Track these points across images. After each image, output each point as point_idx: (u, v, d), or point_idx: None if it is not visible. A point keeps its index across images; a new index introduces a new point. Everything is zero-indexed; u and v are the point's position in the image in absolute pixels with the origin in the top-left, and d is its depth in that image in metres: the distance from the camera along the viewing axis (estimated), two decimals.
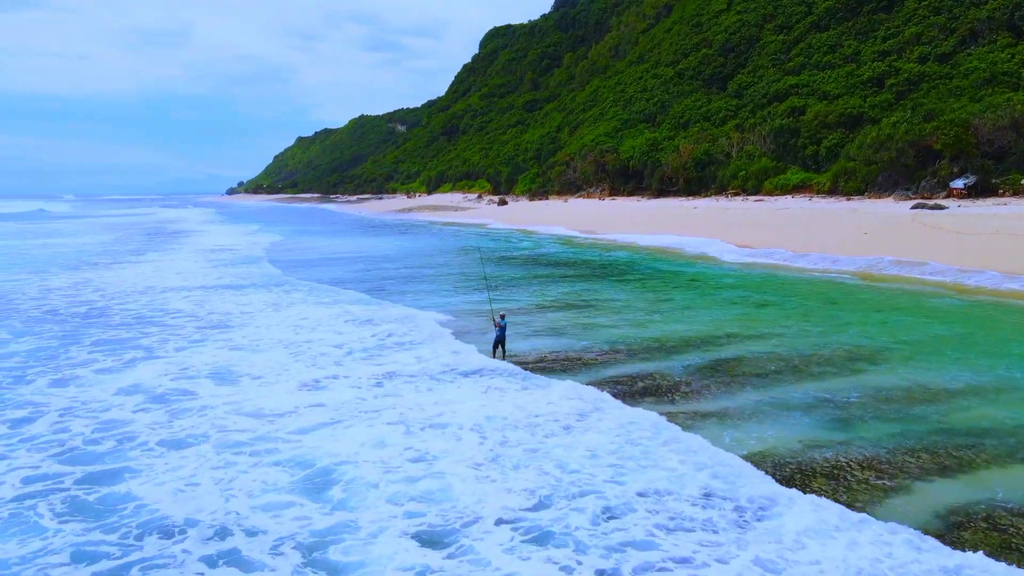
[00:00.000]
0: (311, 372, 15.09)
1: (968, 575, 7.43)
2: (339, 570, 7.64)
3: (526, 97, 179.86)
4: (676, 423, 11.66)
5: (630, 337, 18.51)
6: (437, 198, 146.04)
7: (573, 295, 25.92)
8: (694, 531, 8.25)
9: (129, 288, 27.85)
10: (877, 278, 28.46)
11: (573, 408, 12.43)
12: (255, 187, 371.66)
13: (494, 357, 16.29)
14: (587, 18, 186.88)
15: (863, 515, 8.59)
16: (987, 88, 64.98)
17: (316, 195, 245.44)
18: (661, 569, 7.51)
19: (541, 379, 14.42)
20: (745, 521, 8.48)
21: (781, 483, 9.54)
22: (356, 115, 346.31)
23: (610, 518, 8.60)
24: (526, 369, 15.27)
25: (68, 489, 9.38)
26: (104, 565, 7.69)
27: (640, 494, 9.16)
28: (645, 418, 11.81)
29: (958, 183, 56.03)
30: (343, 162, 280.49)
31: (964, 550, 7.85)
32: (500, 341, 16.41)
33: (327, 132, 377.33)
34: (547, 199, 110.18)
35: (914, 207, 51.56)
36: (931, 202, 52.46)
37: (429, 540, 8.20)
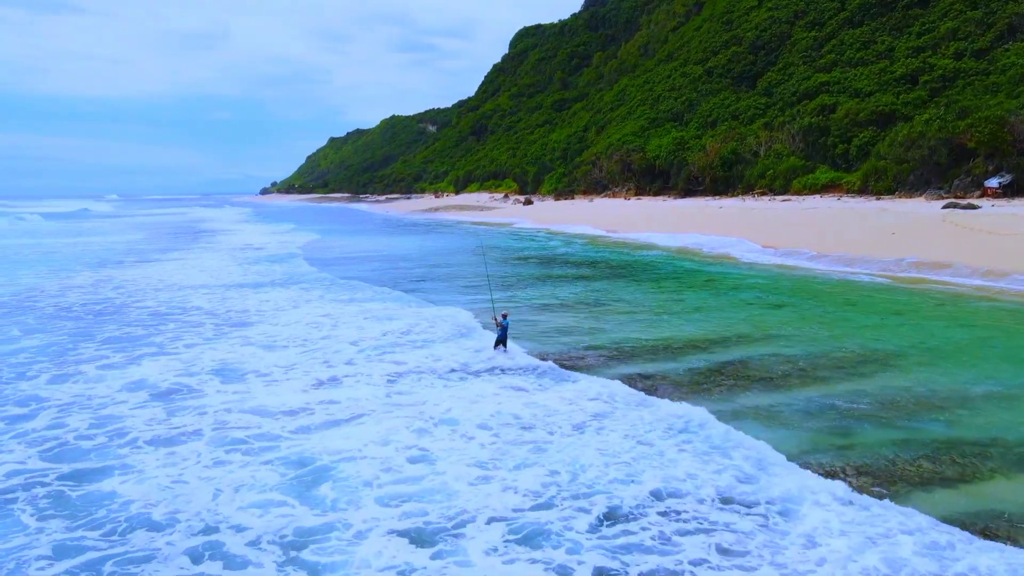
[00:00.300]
0: (323, 369, 15.11)
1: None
2: (320, 570, 7.56)
3: (555, 97, 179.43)
4: None
5: (635, 338, 18.26)
6: (464, 198, 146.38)
7: (585, 295, 25.71)
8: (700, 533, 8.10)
9: (150, 286, 28.26)
10: (899, 279, 27.76)
11: (579, 408, 12.32)
12: (287, 187, 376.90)
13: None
14: (617, 17, 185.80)
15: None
16: None
17: (346, 195, 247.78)
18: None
19: (546, 379, 14.30)
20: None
21: None
22: (387, 115, 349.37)
23: (615, 519, 8.50)
24: (529, 369, 15.15)
25: (50, 484, 9.46)
26: (78, 560, 7.74)
27: (653, 494, 9.08)
28: (657, 417, 11.74)
29: (992, 182, 54.53)
30: (374, 162, 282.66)
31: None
32: (502, 340, 16.36)
33: (359, 132, 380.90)
34: (572, 199, 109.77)
35: (945, 207, 50.26)
36: (964, 201, 51.10)
37: (418, 540, 8.11)
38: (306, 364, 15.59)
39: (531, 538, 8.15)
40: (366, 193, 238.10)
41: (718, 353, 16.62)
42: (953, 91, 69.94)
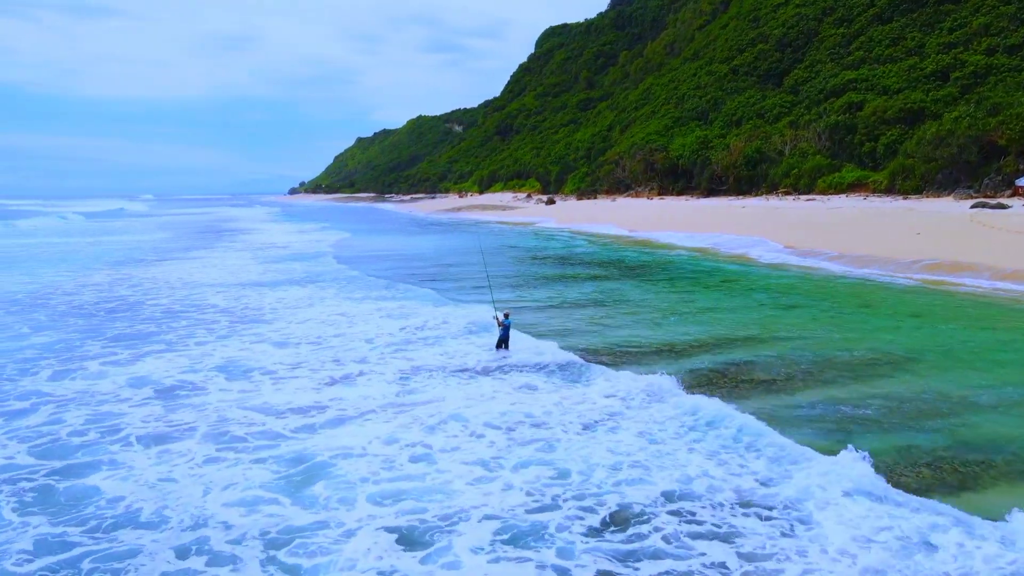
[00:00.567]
0: (334, 367, 15.09)
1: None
2: (305, 570, 7.49)
3: (580, 96, 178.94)
4: None
5: (639, 339, 18.02)
6: (487, 197, 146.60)
7: (596, 294, 25.47)
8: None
9: (166, 284, 28.56)
10: (921, 281, 27.11)
11: (585, 408, 12.22)
12: (315, 187, 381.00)
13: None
14: (644, 16, 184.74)
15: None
16: None
17: (371, 195, 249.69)
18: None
19: (556, 377, 14.21)
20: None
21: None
22: (414, 116, 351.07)
23: (619, 521, 8.37)
24: (540, 367, 15.04)
25: (36, 480, 9.51)
26: (60, 556, 7.76)
27: (664, 494, 8.97)
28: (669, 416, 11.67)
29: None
30: (401, 162, 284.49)
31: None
32: (503, 340, 16.28)
33: (385, 133, 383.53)
34: (595, 198, 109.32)
35: (974, 206, 49.10)
36: (993, 201, 49.88)
37: (408, 540, 8.00)
38: (319, 361, 15.58)
39: (519, 538, 8.02)
40: (391, 193, 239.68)
41: (723, 354, 16.32)
42: (985, 88, 68.37)
